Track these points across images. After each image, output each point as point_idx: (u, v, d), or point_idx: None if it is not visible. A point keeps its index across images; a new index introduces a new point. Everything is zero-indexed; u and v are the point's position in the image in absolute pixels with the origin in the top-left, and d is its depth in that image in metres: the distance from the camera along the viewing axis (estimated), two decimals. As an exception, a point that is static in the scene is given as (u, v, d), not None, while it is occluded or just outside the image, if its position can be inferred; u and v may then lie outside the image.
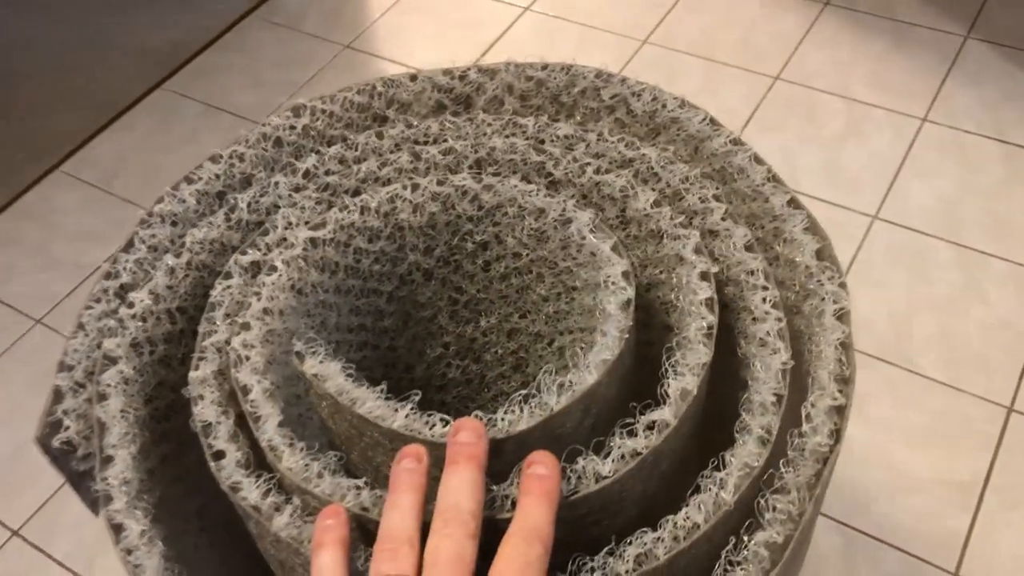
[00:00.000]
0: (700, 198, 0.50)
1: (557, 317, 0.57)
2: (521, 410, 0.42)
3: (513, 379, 0.63)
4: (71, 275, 1.36)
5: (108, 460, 0.45)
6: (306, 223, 0.51)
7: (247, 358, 0.45)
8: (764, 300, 0.46)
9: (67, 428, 0.46)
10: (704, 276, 0.47)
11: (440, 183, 0.52)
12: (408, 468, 0.41)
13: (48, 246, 1.40)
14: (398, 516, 0.39)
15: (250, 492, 0.42)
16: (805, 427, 0.42)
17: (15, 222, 1.44)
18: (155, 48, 1.60)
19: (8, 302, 1.34)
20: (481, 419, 0.42)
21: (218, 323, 0.48)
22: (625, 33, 1.62)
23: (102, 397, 0.46)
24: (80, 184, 1.48)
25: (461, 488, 0.39)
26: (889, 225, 1.32)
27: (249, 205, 0.53)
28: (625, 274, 0.47)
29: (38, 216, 1.44)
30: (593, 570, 0.39)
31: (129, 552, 0.42)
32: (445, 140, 0.55)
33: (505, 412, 0.42)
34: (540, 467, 0.40)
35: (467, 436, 0.41)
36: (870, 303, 1.23)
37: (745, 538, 0.39)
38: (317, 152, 0.55)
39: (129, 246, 0.52)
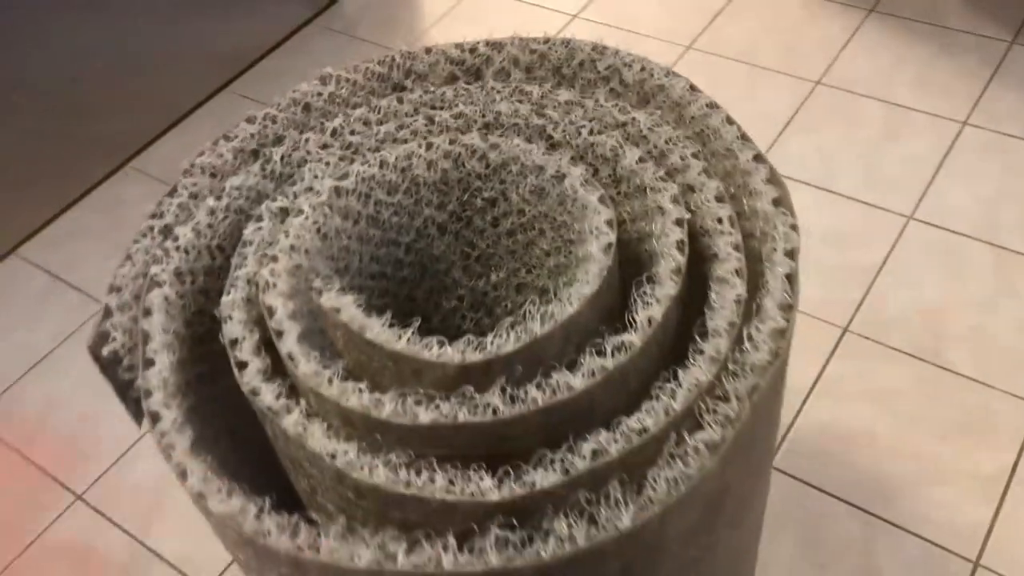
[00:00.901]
0: (681, 156, 0.55)
1: (558, 271, 0.62)
2: (508, 335, 0.47)
3: (518, 315, 0.68)
4: (137, 262, 1.45)
5: (150, 362, 0.51)
6: (331, 175, 0.57)
7: (274, 285, 0.52)
8: (727, 244, 0.50)
9: (114, 339, 0.52)
10: (679, 222, 0.52)
11: (451, 142, 0.57)
12: None
13: (115, 236, 1.50)
14: None
15: (266, 395, 0.48)
16: (747, 345, 0.46)
17: (86, 213, 1.54)
18: (221, 53, 1.70)
19: (78, 286, 1.43)
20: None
21: (249, 258, 0.54)
22: (670, 39, 1.66)
23: (147, 312, 0.53)
24: (147, 179, 1.57)
25: None
26: (925, 225, 1.33)
27: (282, 158, 0.59)
28: (609, 222, 0.52)
29: (107, 208, 1.54)
30: (552, 461, 0.43)
31: (163, 435, 0.48)
32: (457, 106, 0.60)
33: (494, 336, 0.47)
34: None
35: None
36: (903, 300, 1.24)
37: (686, 436, 0.44)
38: (344, 114, 0.61)
39: (173, 192, 0.59)
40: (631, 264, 0.59)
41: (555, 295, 0.63)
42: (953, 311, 1.22)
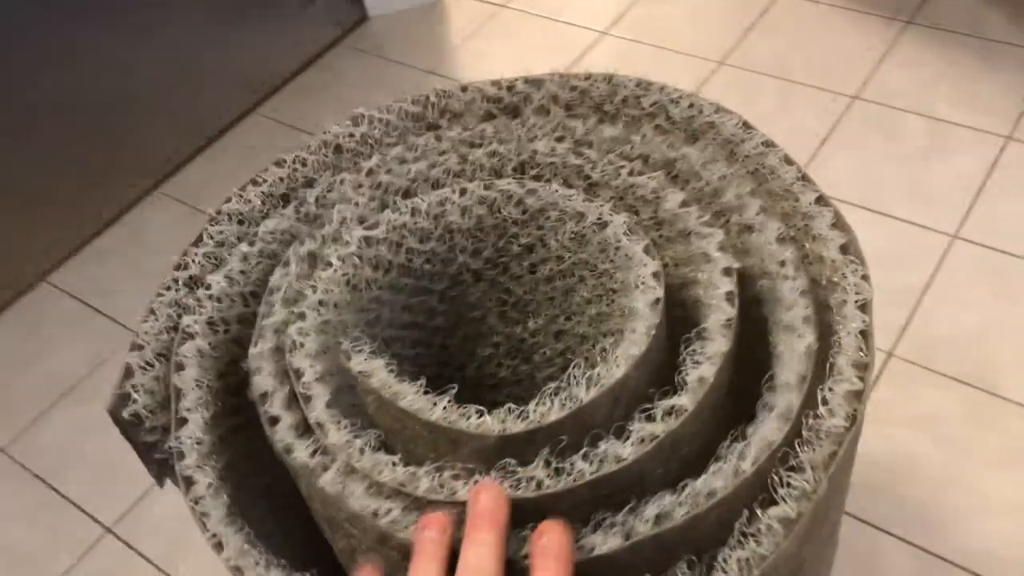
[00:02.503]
0: (736, 195, 0.52)
1: (600, 319, 0.59)
2: (551, 402, 0.44)
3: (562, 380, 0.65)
4: (166, 289, 1.43)
5: (183, 422, 0.49)
6: (360, 222, 0.55)
7: (301, 344, 0.49)
8: (792, 289, 0.47)
9: (135, 401, 0.50)
10: (727, 272, 0.49)
11: (487, 187, 0.55)
12: (431, 538, 0.41)
13: (145, 262, 1.49)
14: None
15: (300, 452, 0.46)
16: (821, 410, 0.43)
17: (115, 240, 1.53)
18: (247, 75, 1.69)
19: (108, 313, 1.42)
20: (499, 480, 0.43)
21: (276, 306, 0.52)
22: (701, 55, 1.63)
23: (179, 367, 0.51)
24: (176, 204, 1.56)
25: (482, 554, 0.40)
26: (971, 245, 1.29)
27: (316, 200, 0.57)
28: (655, 275, 0.49)
29: (135, 235, 1.53)
30: (613, 525, 0.41)
31: (196, 502, 0.46)
32: (492, 143, 0.58)
33: (536, 404, 0.45)
34: (547, 538, 0.41)
35: (488, 502, 0.41)
36: (949, 323, 1.20)
37: (759, 512, 0.41)
38: (380, 152, 0.59)
39: (198, 241, 0.57)
40: (675, 307, 0.56)
41: (597, 349, 0.60)
42: (1003, 335, 1.18)
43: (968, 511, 1.04)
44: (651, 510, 0.41)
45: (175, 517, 1.17)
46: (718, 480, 0.41)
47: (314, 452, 0.46)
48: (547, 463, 0.43)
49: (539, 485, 0.42)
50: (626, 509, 0.42)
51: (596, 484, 0.42)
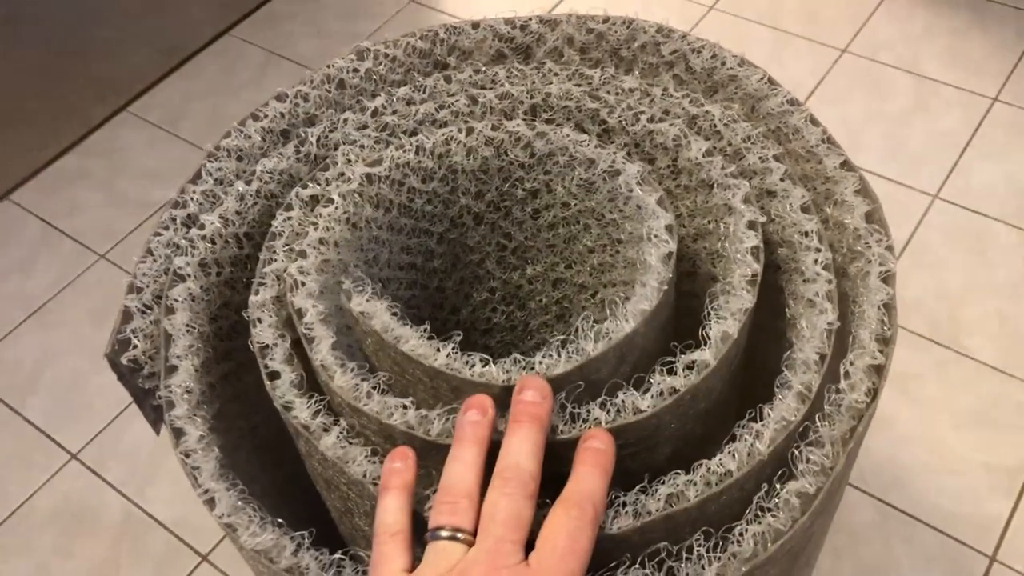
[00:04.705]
0: (760, 158, 0.50)
1: (602, 269, 0.58)
2: (558, 355, 0.43)
3: (556, 328, 0.64)
4: (135, 213, 1.40)
5: (172, 369, 0.47)
6: (363, 160, 0.53)
7: (303, 284, 0.47)
8: (816, 262, 0.47)
9: (135, 347, 0.48)
10: (752, 225, 0.47)
11: (494, 128, 0.53)
12: (472, 420, 0.41)
13: (114, 184, 1.44)
14: (460, 469, 0.40)
15: (301, 412, 0.44)
16: (843, 384, 0.43)
17: (84, 159, 1.48)
18: (225, -6, 1.63)
19: (74, 236, 1.38)
20: (540, 374, 0.43)
21: (278, 252, 0.50)
22: (692, -2, 1.60)
23: (169, 311, 0.49)
24: (146, 125, 1.51)
25: (522, 448, 0.40)
26: (950, 205, 1.29)
27: (318, 140, 0.55)
28: (668, 227, 0.48)
29: (105, 154, 1.48)
30: (624, 504, 0.40)
31: (187, 455, 0.44)
32: (503, 85, 0.56)
33: (543, 356, 0.43)
34: (596, 441, 0.41)
35: (532, 395, 0.41)
36: (924, 283, 1.21)
37: (777, 486, 0.40)
38: (387, 92, 0.57)
39: (197, 178, 0.55)
40: (682, 261, 0.55)
41: (596, 299, 0.59)
42: (976, 296, 1.19)
43: (930, 468, 1.06)
44: (664, 490, 0.40)
45: (144, 446, 1.15)
46: (732, 461, 0.40)
47: (315, 413, 0.45)
48: (562, 408, 0.42)
49: (554, 430, 0.42)
50: (637, 488, 0.41)
51: (613, 434, 0.41)
